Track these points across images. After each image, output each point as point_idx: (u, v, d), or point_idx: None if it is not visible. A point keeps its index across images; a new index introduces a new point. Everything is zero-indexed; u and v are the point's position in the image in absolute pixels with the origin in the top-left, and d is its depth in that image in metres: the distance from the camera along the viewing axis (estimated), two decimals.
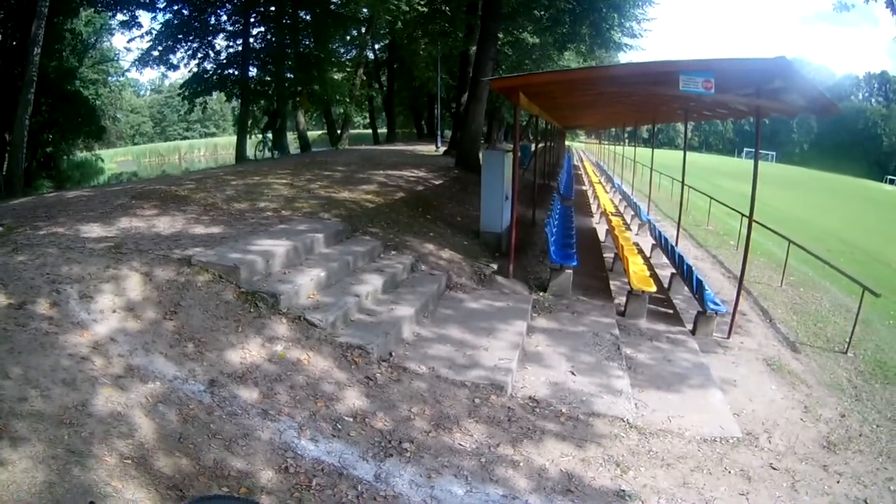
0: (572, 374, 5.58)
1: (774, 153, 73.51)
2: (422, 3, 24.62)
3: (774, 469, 4.52)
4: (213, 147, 65.52)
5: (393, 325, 5.66)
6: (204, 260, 5.56)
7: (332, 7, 25.07)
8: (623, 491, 3.96)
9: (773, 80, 6.65)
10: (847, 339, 8.04)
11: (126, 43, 47.78)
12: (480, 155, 12.75)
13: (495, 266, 8.79)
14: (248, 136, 25.34)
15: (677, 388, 5.79)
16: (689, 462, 4.44)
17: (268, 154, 21.58)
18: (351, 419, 4.31)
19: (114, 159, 49.50)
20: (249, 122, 25.84)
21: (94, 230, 6.36)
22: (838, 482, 4.46)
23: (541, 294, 8.02)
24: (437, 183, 14.10)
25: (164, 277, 5.22)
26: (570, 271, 8.18)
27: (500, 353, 5.57)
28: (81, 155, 31.37)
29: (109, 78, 40.17)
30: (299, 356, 4.88)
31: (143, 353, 4.33)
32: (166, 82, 78.91)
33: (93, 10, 24.60)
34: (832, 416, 5.71)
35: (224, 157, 49.22)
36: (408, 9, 24.47)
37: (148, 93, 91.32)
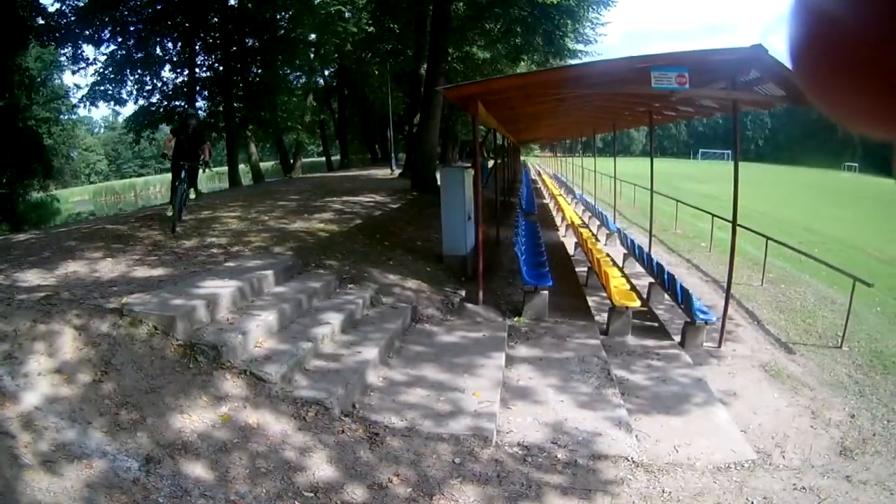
0: (563, 409, 4.96)
1: (729, 152, 75.03)
2: (369, 23, 24.20)
3: (798, 490, 4.13)
4: (169, 183, 63.86)
5: (355, 372, 4.97)
6: (137, 310, 4.79)
7: (281, 32, 24.53)
8: None
9: (750, 70, 6.39)
10: (839, 334, 7.70)
11: (72, 76, 46.90)
12: (438, 174, 12.16)
13: (463, 292, 8.13)
14: (202, 171, 24.49)
15: (678, 409, 5.29)
16: (707, 499, 3.92)
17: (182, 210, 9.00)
18: (312, 495, 3.60)
19: (68, 199, 48.29)
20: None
21: (30, 278, 5.69)
22: (864, 492, 4.18)
23: (516, 319, 7.37)
24: (394, 206, 13.55)
25: (96, 331, 4.49)
26: (546, 292, 7.56)
27: (482, 395, 4.94)
28: (38, 196, 30.58)
29: (61, 116, 39.32)
30: (247, 419, 4.13)
31: (70, 426, 3.62)
32: (119, 119, 77.29)
33: (39, 45, 23.78)
34: (842, 419, 5.44)
35: None
36: (356, 30, 24.04)
37: (102, 130, 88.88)
